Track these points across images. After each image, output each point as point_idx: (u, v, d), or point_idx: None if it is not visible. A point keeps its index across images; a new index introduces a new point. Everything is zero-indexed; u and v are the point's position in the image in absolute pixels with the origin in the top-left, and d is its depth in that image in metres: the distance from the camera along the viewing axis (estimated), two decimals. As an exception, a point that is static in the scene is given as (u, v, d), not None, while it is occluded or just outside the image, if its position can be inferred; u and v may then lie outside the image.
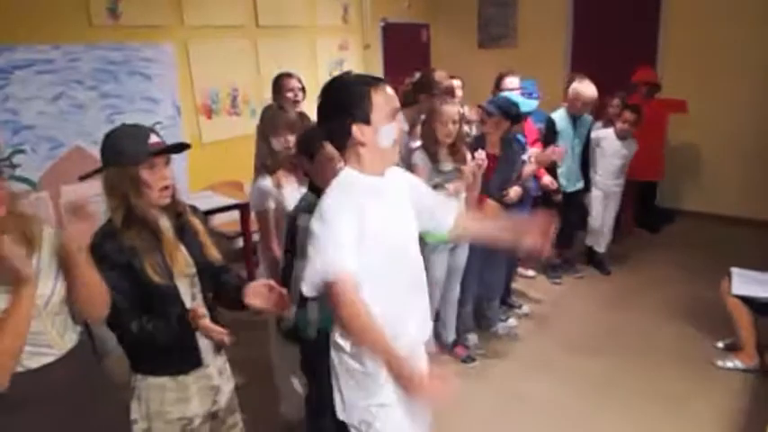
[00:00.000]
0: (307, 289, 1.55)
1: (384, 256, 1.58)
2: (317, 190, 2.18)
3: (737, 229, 5.25)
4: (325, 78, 5.54)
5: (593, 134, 4.32)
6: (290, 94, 3.73)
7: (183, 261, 1.64)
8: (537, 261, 4.36)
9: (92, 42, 3.90)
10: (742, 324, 3.17)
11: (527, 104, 3.33)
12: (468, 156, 2.95)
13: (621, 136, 4.25)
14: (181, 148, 1.64)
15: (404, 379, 1.46)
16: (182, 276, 1.64)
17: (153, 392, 1.65)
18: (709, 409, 2.88)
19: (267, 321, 2.64)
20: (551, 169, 3.86)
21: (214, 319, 1.65)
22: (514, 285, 4.16)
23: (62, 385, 1.42)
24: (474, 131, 3.57)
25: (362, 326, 1.50)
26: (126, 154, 1.53)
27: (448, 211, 1.85)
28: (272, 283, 1.69)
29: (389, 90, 1.58)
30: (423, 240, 1.89)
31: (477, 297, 3.52)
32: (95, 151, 1.67)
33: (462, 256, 3.15)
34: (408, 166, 2.80)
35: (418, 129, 3.13)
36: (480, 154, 2.84)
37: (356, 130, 1.52)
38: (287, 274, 2.10)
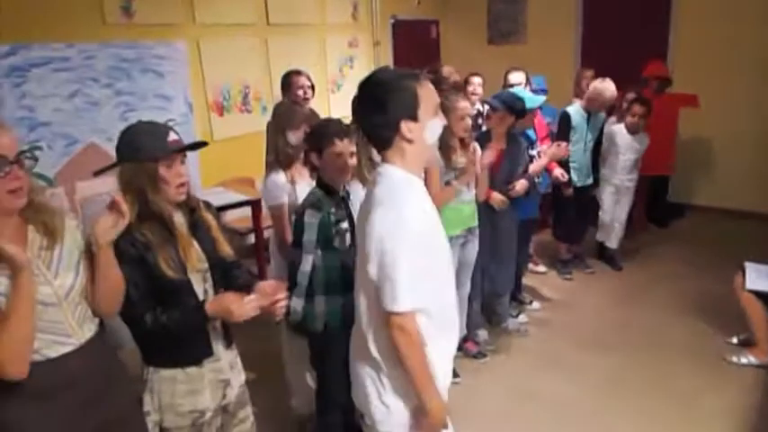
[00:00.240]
0: (393, 305, 1.46)
1: (437, 253, 1.59)
2: (324, 186, 2.20)
3: (749, 223, 5.20)
4: (334, 75, 5.64)
5: (606, 129, 4.31)
6: (299, 92, 3.75)
7: (195, 256, 1.67)
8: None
9: (106, 41, 3.94)
10: (756, 319, 3.14)
11: (533, 100, 3.33)
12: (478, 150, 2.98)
13: (632, 130, 4.23)
14: (199, 146, 1.67)
15: (434, 428, 1.51)
16: (194, 271, 1.67)
17: (164, 385, 1.67)
18: (721, 406, 2.87)
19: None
20: (564, 163, 3.85)
21: None
22: (525, 281, 4.14)
23: (79, 375, 1.44)
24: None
25: (422, 359, 1.49)
26: (144, 150, 1.55)
27: None
28: (278, 284, 1.71)
29: (431, 85, 1.55)
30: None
31: (488, 293, 3.52)
32: (110, 148, 1.70)
33: (473, 251, 3.14)
34: None
35: None
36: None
37: (404, 126, 1.48)
38: (295, 268, 2.13)
